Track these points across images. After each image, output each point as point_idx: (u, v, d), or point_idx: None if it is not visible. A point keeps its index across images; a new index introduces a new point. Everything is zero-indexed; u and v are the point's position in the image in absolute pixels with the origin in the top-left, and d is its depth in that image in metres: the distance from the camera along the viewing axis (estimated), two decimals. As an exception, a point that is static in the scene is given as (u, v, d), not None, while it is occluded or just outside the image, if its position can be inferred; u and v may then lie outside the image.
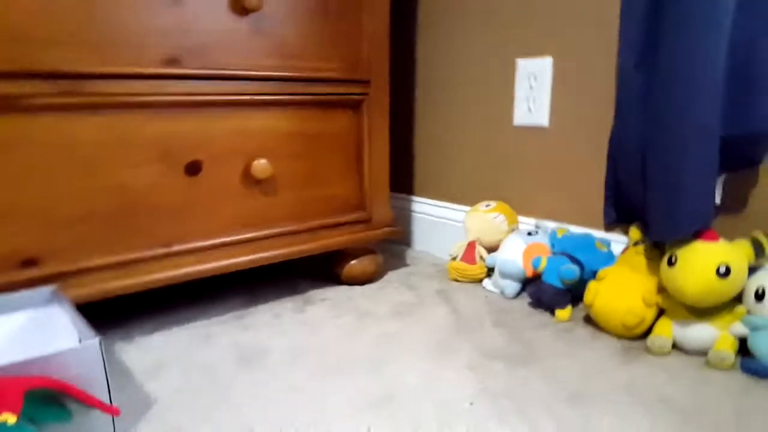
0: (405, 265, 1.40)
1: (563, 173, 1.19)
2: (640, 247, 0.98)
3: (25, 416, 0.61)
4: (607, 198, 1.04)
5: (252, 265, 1.05)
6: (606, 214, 1.05)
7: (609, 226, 1.07)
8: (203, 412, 0.76)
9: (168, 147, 0.93)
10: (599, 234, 1.13)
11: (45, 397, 0.63)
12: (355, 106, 1.16)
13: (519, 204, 1.28)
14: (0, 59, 0.78)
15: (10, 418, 0.54)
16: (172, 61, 0.92)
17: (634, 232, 1.00)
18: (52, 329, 0.79)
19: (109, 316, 1.07)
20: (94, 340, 0.67)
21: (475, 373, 0.85)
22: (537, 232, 1.15)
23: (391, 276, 1.31)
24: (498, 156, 1.32)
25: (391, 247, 1.54)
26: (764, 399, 0.77)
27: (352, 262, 1.22)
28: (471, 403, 0.77)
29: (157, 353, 0.93)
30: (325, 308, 1.11)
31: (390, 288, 1.23)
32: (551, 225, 1.20)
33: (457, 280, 1.26)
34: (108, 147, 0.88)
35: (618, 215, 1.03)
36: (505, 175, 1.31)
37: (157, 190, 0.93)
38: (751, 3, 0.77)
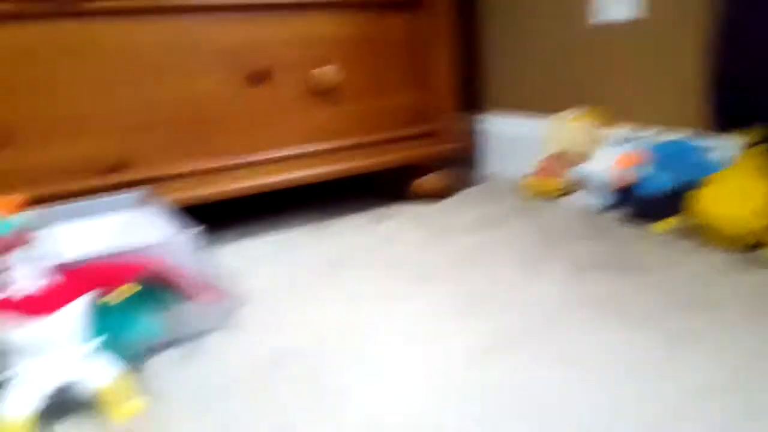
0: (480, 182, 1.35)
1: (660, 72, 1.09)
2: (758, 149, 0.89)
3: (141, 301, 0.62)
4: (717, 96, 0.94)
5: (321, 179, 1.04)
6: (714, 115, 0.96)
7: (716, 129, 0.97)
8: (292, 307, 0.77)
9: (232, 54, 0.91)
10: (702, 139, 1.04)
11: (157, 285, 0.64)
12: (417, 5, 1.08)
13: (612, 110, 1.19)
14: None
15: (124, 294, 0.56)
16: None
17: (750, 134, 0.91)
18: (150, 227, 0.81)
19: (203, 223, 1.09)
20: (192, 231, 0.67)
21: (567, 283, 0.81)
22: (631, 140, 1.07)
23: (466, 193, 1.27)
24: (584, 56, 1.22)
25: (464, 168, 1.49)
26: None
27: (424, 178, 1.19)
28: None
29: (248, 257, 0.95)
30: (400, 222, 1.09)
31: (465, 205, 1.19)
32: (647, 132, 1.12)
33: (537, 196, 1.20)
34: (173, 53, 0.86)
35: (727, 116, 0.93)
36: (594, 79, 1.22)
37: (222, 99, 0.92)
38: None
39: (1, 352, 0.53)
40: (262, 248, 0.98)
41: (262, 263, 0.92)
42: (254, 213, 1.17)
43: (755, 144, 0.89)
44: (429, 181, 1.18)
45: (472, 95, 1.47)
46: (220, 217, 1.15)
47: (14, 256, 0.52)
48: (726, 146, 1.00)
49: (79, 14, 0.78)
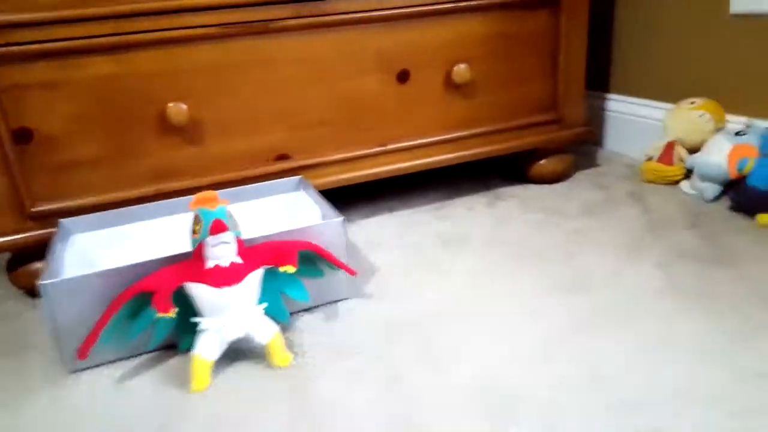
0: (596, 165, 1.40)
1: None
2: None
3: (302, 271, 0.81)
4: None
5: (452, 163, 1.16)
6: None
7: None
8: (416, 280, 0.92)
9: (381, 58, 1.05)
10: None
11: (306, 258, 0.82)
12: (552, 3, 1.14)
13: (728, 101, 1.18)
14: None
15: (291, 269, 0.74)
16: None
17: None
18: (303, 209, 1.00)
19: (333, 202, 1.28)
20: (339, 219, 0.84)
21: (665, 270, 0.88)
22: (746, 132, 1.07)
23: (581, 176, 1.33)
24: (708, 47, 1.20)
25: (583, 148, 1.53)
26: None
27: (542, 161, 1.26)
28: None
29: (373, 234, 1.11)
30: (515, 204, 1.19)
31: (580, 188, 1.25)
32: (763, 124, 1.10)
33: (652, 182, 1.23)
34: (337, 60, 1.02)
35: None
36: (715, 69, 1.20)
37: (373, 97, 1.06)
38: None
39: (203, 308, 0.73)
40: (389, 226, 1.14)
41: (388, 240, 1.07)
42: (384, 192, 1.33)
43: None
44: (550, 163, 1.25)
45: (602, 75, 1.49)
46: (354, 195, 1.33)
47: (216, 238, 0.71)
48: None
49: (265, 32, 0.96)
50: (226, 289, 0.71)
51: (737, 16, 1.13)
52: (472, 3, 1.07)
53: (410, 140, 1.11)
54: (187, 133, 0.97)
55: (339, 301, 0.88)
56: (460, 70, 1.08)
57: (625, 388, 0.64)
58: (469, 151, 1.16)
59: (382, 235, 1.10)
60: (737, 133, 1.07)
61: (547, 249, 0.98)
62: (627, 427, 0.59)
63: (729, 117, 1.18)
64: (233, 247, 0.73)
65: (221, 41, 0.94)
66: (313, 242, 0.82)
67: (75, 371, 0.76)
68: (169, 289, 0.71)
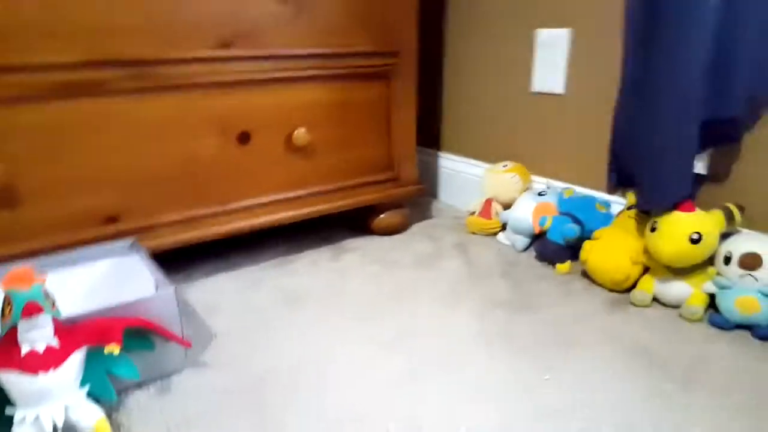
0: (429, 217, 1.52)
1: (574, 137, 1.27)
2: (633, 212, 1.07)
3: (128, 347, 0.78)
4: (610, 164, 1.12)
5: (294, 220, 1.19)
6: (609, 178, 1.13)
7: (611, 190, 1.15)
8: (256, 344, 0.93)
9: (222, 121, 1.06)
10: (602, 196, 1.22)
11: (135, 331, 0.80)
12: (385, 76, 1.25)
13: (532, 164, 1.37)
14: (84, 49, 0.90)
15: (116, 349, 0.71)
16: (225, 45, 1.03)
17: (631, 197, 1.09)
18: (133, 275, 0.96)
19: (173, 261, 1.25)
20: (170, 289, 0.83)
21: (479, 317, 0.99)
22: (546, 193, 1.25)
23: (417, 228, 1.44)
24: (516, 119, 1.40)
25: (419, 199, 1.66)
26: (723, 347, 0.88)
27: (381, 215, 1.35)
28: (547, 378, 0.91)
29: (214, 294, 1.10)
30: (357, 256, 1.26)
31: (414, 239, 1.36)
32: (560, 185, 1.29)
33: (475, 233, 1.37)
34: (172, 122, 1.02)
35: (619, 180, 1.11)
36: (521, 137, 1.39)
37: (213, 158, 1.07)
38: (732, 2, 0.81)
39: (18, 397, 0.67)
40: (230, 284, 1.13)
41: (228, 301, 1.07)
42: (229, 246, 1.32)
43: (630, 207, 1.07)
44: (388, 217, 1.34)
45: (435, 135, 1.63)
46: (196, 250, 1.31)
47: (29, 323, 0.67)
48: (619, 203, 1.18)
49: (96, 95, 0.92)
50: (42, 376, 0.67)
51: (536, 93, 1.33)
52: (311, 72, 1.14)
53: (251, 199, 1.13)
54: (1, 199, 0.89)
55: (173, 373, 0.86)
56: (300, 134, 1.14)
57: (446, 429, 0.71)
58: (310, 209, 1.21)
59: (222, 296, 1.09)
60: (540, 194, 1.25)
61: (380, 301, 1.05)
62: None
63: (534, 177, 1.37)
64: (49, 329, 0.69)
65: (43, 102, 0.89)
66: (143, 316, 0.80)
67: None
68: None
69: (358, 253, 1.27)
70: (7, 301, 0.67)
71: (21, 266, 0.71)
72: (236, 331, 0.97)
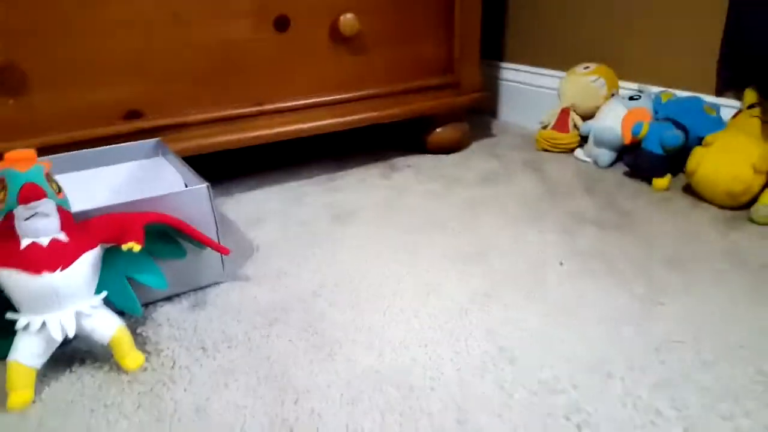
0: (491, 135, 1.35)
1: (671, 32, 1.06)
2: (756, 110, 0.88)
3: (145, 251, 0.66)
4: (723, 56, 0.93)
5: (341, 128, 1.04)
6: (721, 74, 0.95)
7: (722, 89, 0.96)
8: (302, 258, 0.80)
9: (261, 1, 0.90)
10: (709, 99, 1.02)
11: (163, 235, 0.68)
12: None
13: (621, 67, 1.18)
14: None
15: (135, 246, 0.58)
16: None
17: (750, 94, 0.90)
18: (159, 178, 0.84)
19: (207, 174, 1.12)
20: (203, 185, 0.70)
21: (565, 236, 0.84)
22: (639, 97, 1.06)
23: (477, 146, 1.27)
24: (601, 14, 1.19)
25: (477, 117, 1.48)
26: None
27: (438, 129, 1.19)
28: (561, 263, 0.76)
29: (255, 208, 0.97)
30: (411, 174, 1.11)
31: (476, 157, 1.20)
32: (655, 89, 1.10)
33: (546, 150, 1.20)
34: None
35: (734, 76, 0.92)
36: (608, 35, 1.19)
37: (247, 45, 0.92)
38: None
39: (19, 300, 0.56)
40: (273, 199, 1.01)
41: (271, 215, 0.94)
42: (268, 163, 1.19)
43: (751, 105, 0.89)
44: (446, 131, 1.18)
45: (495, 44, 1.44)
46: (233, 166, 1.18)
47: (28, 208, 0.54)
48: (730, 107, 0.99)
49: None
50: (47, 276, 0.55)
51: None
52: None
53: (291, 100, 0.99)
54: (3, 82, 0.76)
55: (208, 286, 0.74)
56: (347, 20, 0.97)
57: (539, 365, 0.58)
58: (359, 116, 1.06)
59: (265, 210, 0.96)
60: (631, 98, 1.07)
61: (446, 219, 0.90)
62: (547, 408, 0.52)
63: (622, 83, 1.18)
64: (54, 220, 0.57)
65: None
66: (171, 215, 0.67)
67: None
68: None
69: (412, 171, 1.12)
70: (1, 184, 0.55)
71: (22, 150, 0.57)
72: (280, 245, 0.84)
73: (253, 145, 0.98)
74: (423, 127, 1.20)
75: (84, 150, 0.81)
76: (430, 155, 1.22)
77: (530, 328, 0.63)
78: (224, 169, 1.16)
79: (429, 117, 1.17)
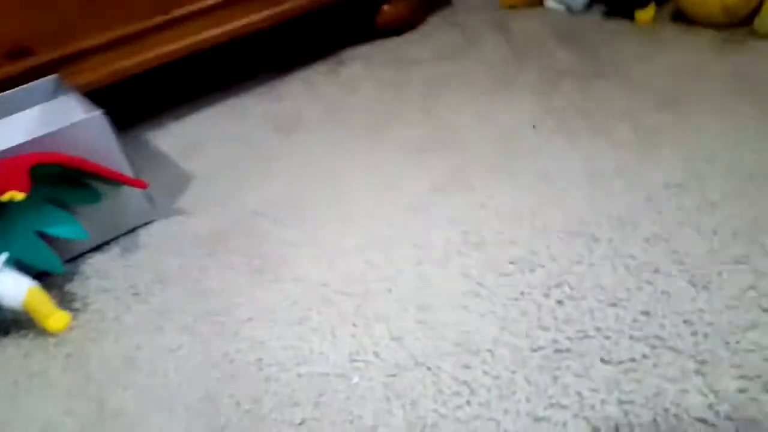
0: (448, 4, 1.22)
1: None
2: None
3: (55, 201, 0.59)
4: None
5: (265, 25, 0.93)
6: None
7: None
8: (243, 180, 0.73)
9: None
10: None
11: (72, 179, 0.60)
12: None
13: None
14: None
15: (17, 195, 0.51)
16: None
17: None
18: (65, 118, 0.75)
19: (137, 108, 1.03)
20: (96, 113, 0.61)
21: (539, 97, 0.75)
22: None
23: (434, 19, 1.15)
24: None
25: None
26: None
27: (385, 7, 1.06)
28: (534, 126, 0.68)
29: (191, 135, 0.89)
30: (361, 65, 1.00)
31: (434, 31, 1.08)
32: None
33: (512, 6, 1.08)
34: None
35: None
36: None
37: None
38: None
39: None
40: (209, 122, 0.92)
41: (207, 140, 0.86)
42: (201, 84, 1.08)
43: None
44: (394, 8, 1.06)
45: None
46: (162, 94, 1.08)
47: None
48: None
49: None
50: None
51: None
52: None
53: (196, 4, 0.86)
54: None
55: (140, 227, 0.67)
56: None
57: (510, 242, 0.51)
58: (288, 5, 0.93)
59: (201, 135, 0.88)
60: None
61: (402, 109, 0.81)
62: (522, 288, 0.46)
63: None
64: None
65: None
66: (68, 153, 0.59)
67: None
68: None
69: (362, 61, 1.02)
70: None
71: None
72: (220, 170, 0.77)
73: (164, 64, 0.87)
74: (369, 8, 1.07)
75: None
76: (381, 40, 1.10)
77: (499, 206, 0.56)
78: (152, 100, 1.06)
79: (372, -5, 1.04)
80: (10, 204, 0.55)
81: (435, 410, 0.39)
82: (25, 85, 0.75)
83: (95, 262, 0.63)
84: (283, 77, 1.02)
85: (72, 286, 0.60)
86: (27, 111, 0.76)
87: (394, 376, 0.41)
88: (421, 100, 0.82)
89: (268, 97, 0.96)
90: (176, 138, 0.88)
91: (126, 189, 0.65)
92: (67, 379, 0.48)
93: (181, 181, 0.75)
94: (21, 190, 0.52)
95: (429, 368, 0.41)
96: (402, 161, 0.68)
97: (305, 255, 0.56)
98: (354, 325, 0.46)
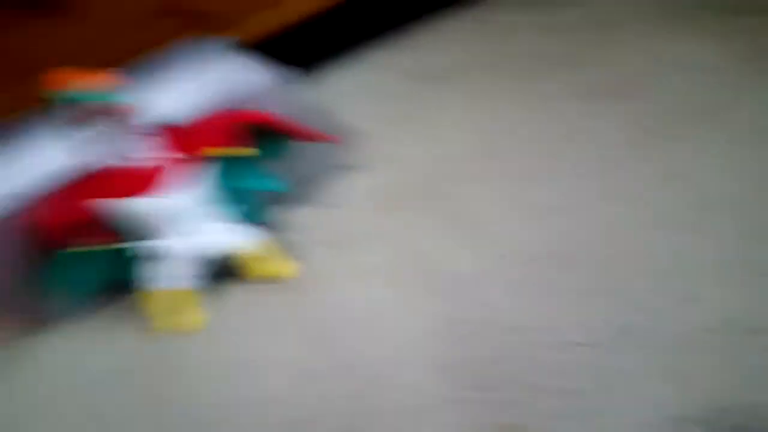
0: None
1: None
2: None
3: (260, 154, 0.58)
4: None
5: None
6: None
7: None
8: (412, 136, 0.71)
9: None
10: None
11: (263, 135, 0.59)
12: None
13: None
14: None
15: (245, 151, 0.51)
16: None
17: None
18: (242, 75, 0.74)
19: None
20: (292, 74, 0.61)
21: (726, 37, 0.66)
22: None
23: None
24: None
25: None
26: None
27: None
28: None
29: (342, 91, 0.86)
30: (515, 9, 0.91)
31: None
32: None
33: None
34: None
35: None
36: None
37: None
38: None
39: (154, 226, 0.52)
40: (355, 76, 0.89)
41: (359, 94, 0.83)
42: (337, 38, 1.05)
43: None
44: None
45: None
46: (302, 48, 1.05)
47: (116, 127, 0.47)
48: None
49: None
50: (165, 197, 0.49)
51: None
52: None
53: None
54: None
55: (325, 181, 0.67)
56: None
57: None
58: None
59: (350, 90, 0.85)
60: None
61: (572, 52, 0.74)
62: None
63: None
64: (148, 136, 0.49)
65: None
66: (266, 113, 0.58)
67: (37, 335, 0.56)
68: (82, 216, 0.49)
69: (514, 6, 0.93)
70: (79, 109, 0.47)
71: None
72: (383, 124, 0.75)
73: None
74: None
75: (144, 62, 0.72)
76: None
77: (718, 157, 0.50)
78: (292, 55, 1.03)
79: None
80: (224, 162, 0.55)
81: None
82: (190, 43, 0.74)
83: (291, 215, 0.63)
84: (423, 28, 0.97)
85: (278, 237, 0.60)
86: (208, 67, 0.75)
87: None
88: (595, 47, 0.74)
89: (411, 47, 0.91)
90: (329, 94, 0.86)
91: (312, 147, 0.63)
92: (296, 326, 0.49)
93: (345, 136, 0.73)
94: (247, 145, 0.51)
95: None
96: (580, 109, 0.63)
97: (502, 213, 0.53)
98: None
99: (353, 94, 0.83)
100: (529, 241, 0.49)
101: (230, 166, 0.57)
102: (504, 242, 0.50)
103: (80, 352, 0.53)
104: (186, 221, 0.52)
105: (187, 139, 0.54)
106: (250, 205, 0.59)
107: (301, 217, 0.62)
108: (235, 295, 0.54)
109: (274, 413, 0.41)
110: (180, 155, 0.52)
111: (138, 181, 0.49)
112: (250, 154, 0.56)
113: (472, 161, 0.61)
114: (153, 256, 0.52)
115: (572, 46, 0.76)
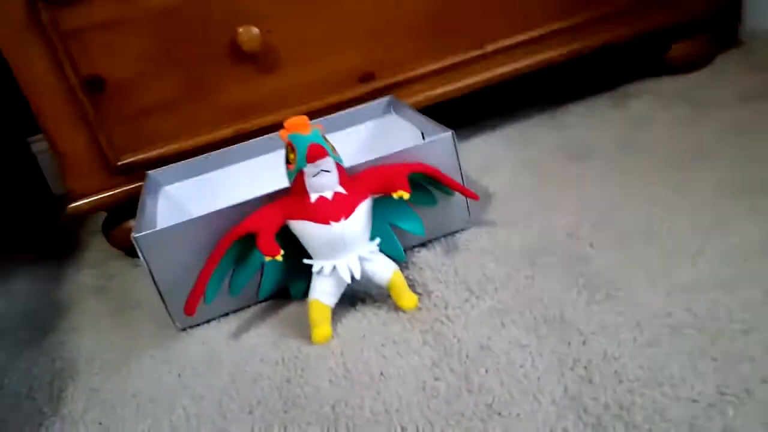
0: (737, 43, 1.13)
1: None
2: None
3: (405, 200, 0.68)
4: None
5: (566, 59, 0.96)
6: None
7: None
8: (544, 201, 0.77)
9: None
10: None
11: (416, 183, 0.69)
12: None
13: None
14: None
15: (405, 194, 0.61)
16: None
17: None
18: (398, 132, 0.86)
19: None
20: (447, 133, 0.70)
21: None
22: None
23: (725, 58, 1.08)
24: None
25: (725, 29, 1.25)
26: None
27: (676, 44, 1.03)
28: None
29: (480, 155, 0.96)
30: (650, 100, 0.99)
31: (728, 72, 1.02)
32: None
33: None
34: None
35: None
36: None
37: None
38: None
39: (312, 247, 0.62)
40: (496, 145, 0.98)
41: (498, 160, 0.92)
42: (482, 108, 1.15)
43: None
44: (686, 45, 1.02)
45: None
46: (452, 114, 1.17)
47: (315, 166, 0.59)
48: None
49: None
50: (335, 225, 0.60)
51: None
52: None
53: (513, 37, 0.93)
54: (261, 61, 0.85)
55: (456, 232, 0.75)
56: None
57: None
58: (587, 42, 0.96)
59: (490, 156, 0.95)
60: None
61: (710, 148, 0.78)
62: None
63: None
64: (335, 175, 0.62)
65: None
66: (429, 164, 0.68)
67: (185, 328, 0.70)
68: (272, 230, 0.62)
69: (651, 96, 1.00)
70: (290, 148, 0.61)
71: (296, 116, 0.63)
72: (519, 189, 0.82)
73: (476, 90, 0.94)
74: (658, 44, 1.04)
75: (326, 116, 0.86)
76: (666, 77, 1.06)
77: None
78: (442, 118, 1.15)
79: (662, 31, 1.01)
80: (378, 200, 0.65)
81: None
82: (367, 103, 0.88)
83: (423, 256, 0.72)
84: (563, 107, 1.05)
85: (408, 273, 0.69)
86: (368, 123, 0.88)
87: None
88: (731, 141, 0.78)
89: (550, 125, 0.99)
90: (468, 154, 0.95)
91: (456, 197, 0.72)
92: (428, 350, 0.56)
93: (484, 197, 0.81)
94: (406, 191, 0.61)
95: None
96: (721, 204, 0.65)
97: (635, 281, 0.57)
98: (713, 359, 0.46)
99: (496, 160, 0.92)
100: (668, 310, 0.52)
101: (386, 206, 0.67)
102: (644, 304, 0.53)
103: (243, 342, 0.65)
104: (347, 246, 0.62)
105: (362, 180, 0.65)
106: (389, 240, 0.68)
107: (428, 258, 0.70)
108: (365, 316, 0.63)
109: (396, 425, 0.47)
110: (358, 191, 0.63)
111: (330, 209, 0.61)
112: (408, 197, 0.66)
113: (613, 231, 0.66)
114: (321, 272, 0.62)
115: (710, 142, 0.79)
